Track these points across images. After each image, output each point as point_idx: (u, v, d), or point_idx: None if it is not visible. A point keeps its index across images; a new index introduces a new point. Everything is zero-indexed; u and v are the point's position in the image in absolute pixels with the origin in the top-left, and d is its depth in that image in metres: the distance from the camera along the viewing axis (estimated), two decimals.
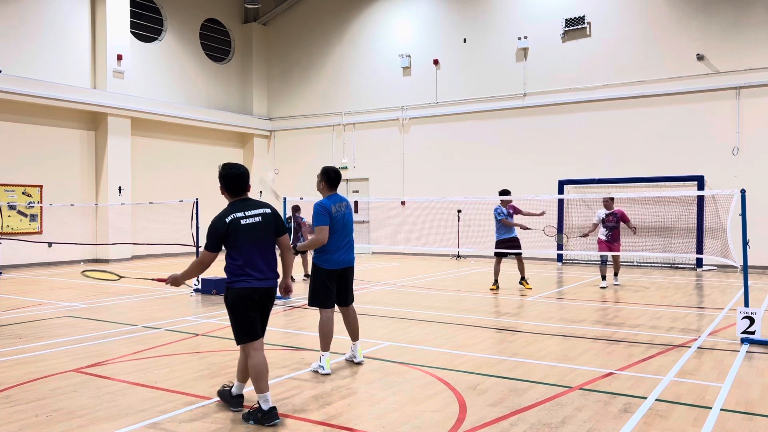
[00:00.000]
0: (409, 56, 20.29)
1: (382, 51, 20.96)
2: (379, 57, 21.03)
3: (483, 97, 19.00)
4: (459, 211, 18.64)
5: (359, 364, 6.09)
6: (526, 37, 18.15)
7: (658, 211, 16.03)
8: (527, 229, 11.74)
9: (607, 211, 11.75)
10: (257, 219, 4.67)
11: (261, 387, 4.51)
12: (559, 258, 17.22)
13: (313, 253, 5.99)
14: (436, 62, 19.80)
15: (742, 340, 6.93)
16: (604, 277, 11.90)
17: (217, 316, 8.88)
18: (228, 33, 23.24)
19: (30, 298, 10.95)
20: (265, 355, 4.69)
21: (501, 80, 18.68)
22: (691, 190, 15.52)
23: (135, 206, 18.48)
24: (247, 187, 4.81)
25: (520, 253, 11.85)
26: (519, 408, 4.77)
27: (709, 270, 15.31)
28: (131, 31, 19.47)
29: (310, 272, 12.28)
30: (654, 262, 16.39)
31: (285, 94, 23.36)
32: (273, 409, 4.47)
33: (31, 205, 16.95)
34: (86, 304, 10.15)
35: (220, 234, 4.55)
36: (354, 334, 6.21)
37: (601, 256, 11.91)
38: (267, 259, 4.69)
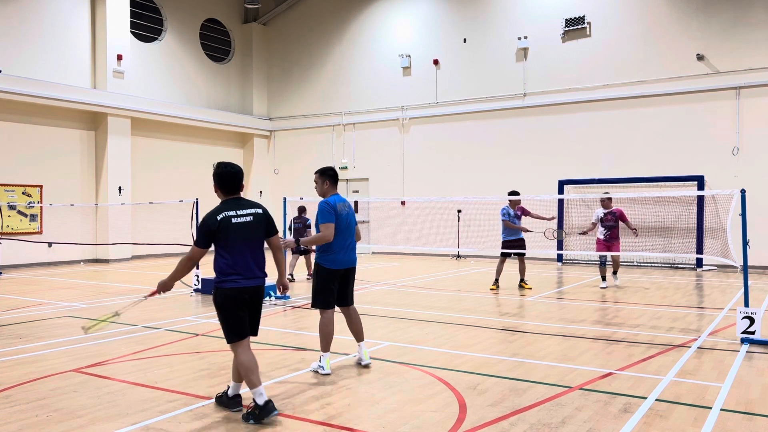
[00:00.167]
0: (409, 56, 20.29)
1: (382, 51, 20.96)
2: (379, 57, 21.03)
3: (483, 97, 19.00)
4: (459, 211, 18.64)
5: (366, 366, 6.01)
6: (526, 37, 18.15)
7: (658, 211, 16.03)
8: (528, 231, 11.81)
9: (605, 211, 11.74)
10: (248, 218, 4.73)
11: (253, 382, 4.53)
12: (559, 258, 17.22)
13: (316, 253, 5.99)
14: (436, 62, 19.80)
15: (742, 340, 6.93)
16: (604, 278, 11.90)
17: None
18: (228, 33, 23.24)
19: (30, 298, 10.95)
20: (254, 352, 4.72)
21: (501, 80, 18.68)
22: (691, 190, 15.51)
23: (135, 206, 18.48)
24: (240, 187, 4.87)
25: (524, 254, 11.90)
26: (519, 408, 4.77)
27: (709, 270, 15.31)
28: (131, 31, 19.47)
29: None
30: (654, 262, 16.39)
31: (285, 94, 23.36)
32: (269, 402, 4.48)
33: (31, 205, 16.95)
34: (86, 304, 10.15)
35: (211, 231, 4.59)
36: (358, 335, 6.15)
37: (600, 256, 11.92)
38: (257, 258, 4.75)
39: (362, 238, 6.52)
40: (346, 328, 6.34)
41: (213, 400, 4.97)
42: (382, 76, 20.94)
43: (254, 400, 4.50)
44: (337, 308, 6.07)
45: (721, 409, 4.71)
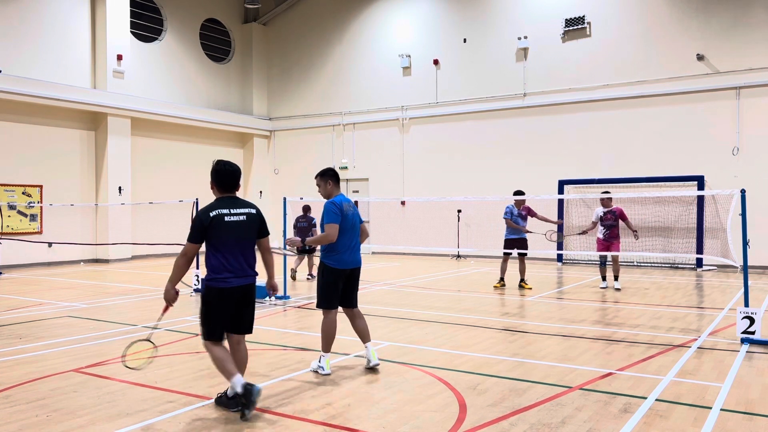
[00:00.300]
0: (409, 56, 20.29)
1: (382, 51, 20.96)
2: (379, 57, 21.03)
3: (483, 97, 19.00)
4: (459, 211, 18.64)
5: (374, 368, 5.93)
6: (526, 37, 18.15)
7: (658, 211, 16.03)
8: (529, 232, 11.82)
9: (605, 209, 11.73)
10: (241, 218, 4.78)
11: (229, 370, 4.59)
12: (559, 258, 17.23)
13: (321, 253, 5.98)
14: (436, 62, 19.80)
15: (742, 340, 6.93)
16: (604, 278, 11.90)
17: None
18: (228, 33, 23.24)
19: (30, 298, 10.95)
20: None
21: (501, 80, 18.68)
22: (691, 190, 15.51)
23: (135, 206, 18.48)
24: (236, 186, 4.91)
25: (525, 254, 11.91)
26: (519, 408, 4.77)
27: (709, 270, 15.31)
28: (131, 31, 19.47)
29: (314, 273, 12.32)
30: (654, 262, 16.39)
31: (285, 94, 23.36)
32: (246, 384, 4.52)
33: (31, 205, 16.95)
34: (86, 304, 10.15)
35: (203, 226, 4.65)
36: (364, 337, 6.03)
37: (600, 256, 11.91)
38: (247, 257, 4.81)
39: None
40: (346, 328, 6.33)
41: (213, 400, 4.97)
42: (382, 76, 20.94)
43: (236, 391, 4.54)
44: (339, 309, 6.06)
45: (721, 409, 4.71)
